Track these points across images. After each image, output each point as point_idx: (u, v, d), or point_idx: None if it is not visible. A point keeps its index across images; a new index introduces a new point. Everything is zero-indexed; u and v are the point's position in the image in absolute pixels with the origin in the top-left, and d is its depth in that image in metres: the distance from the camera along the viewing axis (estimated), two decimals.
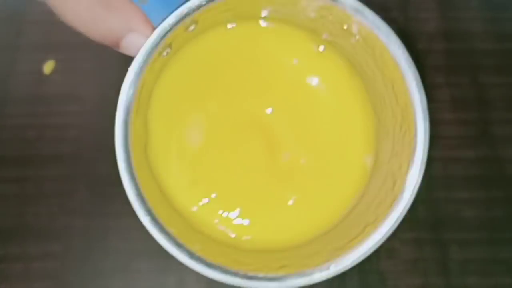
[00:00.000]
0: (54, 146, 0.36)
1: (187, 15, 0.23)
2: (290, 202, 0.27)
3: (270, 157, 0.28)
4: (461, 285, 0.32)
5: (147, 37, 0.23)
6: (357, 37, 0.26)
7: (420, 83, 0.24)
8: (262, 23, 0.29)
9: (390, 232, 0.23)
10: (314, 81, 0.29)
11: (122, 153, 0.24)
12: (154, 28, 0.23)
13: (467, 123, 0.36)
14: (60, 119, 0.37)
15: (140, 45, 0.23)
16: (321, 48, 0.29)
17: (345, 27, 0.26)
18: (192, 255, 0.23)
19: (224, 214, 0.27)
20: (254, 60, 0.29)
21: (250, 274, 0.23)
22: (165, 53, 0.25)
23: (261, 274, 0.23)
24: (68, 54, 0.39)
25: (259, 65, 0.29)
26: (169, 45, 0.25)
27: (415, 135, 0.24)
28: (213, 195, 0.27)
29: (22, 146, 0.36)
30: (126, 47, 0.23)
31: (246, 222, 0.27)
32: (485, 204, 0.34)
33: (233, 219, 0.27)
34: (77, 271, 0.32)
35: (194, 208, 0.26)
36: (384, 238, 0.23)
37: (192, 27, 0.25)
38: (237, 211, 0.27)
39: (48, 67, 0.38)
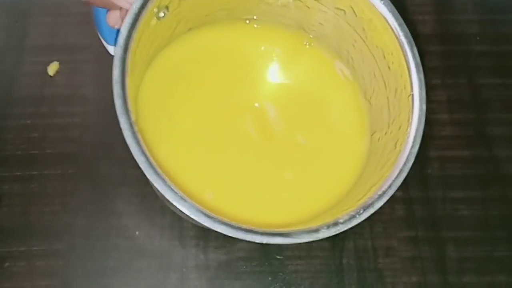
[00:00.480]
0: (57, 146, 0.36)
1: None
2: (288, 178, 0.28)
3: (263, 139, 0.29)
4: (457, 282, 0.32)
5: None
6: (347, 11, 0.27)
7: (412, 40, 0.25)
8: (252, 24, 0.31)
9: (398, 182, 0.23)
10: (302, 76, 0.30)
11: (119, 90, 0.24)
12: None
13: (463, 123, 0.37)
14: (63, 120, 0.37)
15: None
16: (307, 44, 0.30)
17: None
18: (190, 204, 0.21)
19: (220, 193, 0.27)
20: (245, 58, 0.31)
21: (254, 228, 0.21)
22: (162, 14, 0.26)
23: (264, 230, 0.22)
24: (71, 56, 0.39)
25: (249, 62, 0.31)
26: (166, 7, 0.26)
27: (412, 88, 0.25)
28: (207, 178, 0.27)
29: (26, 146, 0.36)
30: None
31: (245, 202, 0.27)
32: (481, 203, 0.34)
33: (229, 199, 0.27)
34: (79, 269, 0.33)
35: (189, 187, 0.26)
36: (393, 189, 0.23)
37: None
38: (233, 192, 0.27)
39: (52, 68, 0.39)
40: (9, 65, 0.39)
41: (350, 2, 0.27)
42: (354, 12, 0.27)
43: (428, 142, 0.36)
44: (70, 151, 0.36)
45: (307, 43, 0.31)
